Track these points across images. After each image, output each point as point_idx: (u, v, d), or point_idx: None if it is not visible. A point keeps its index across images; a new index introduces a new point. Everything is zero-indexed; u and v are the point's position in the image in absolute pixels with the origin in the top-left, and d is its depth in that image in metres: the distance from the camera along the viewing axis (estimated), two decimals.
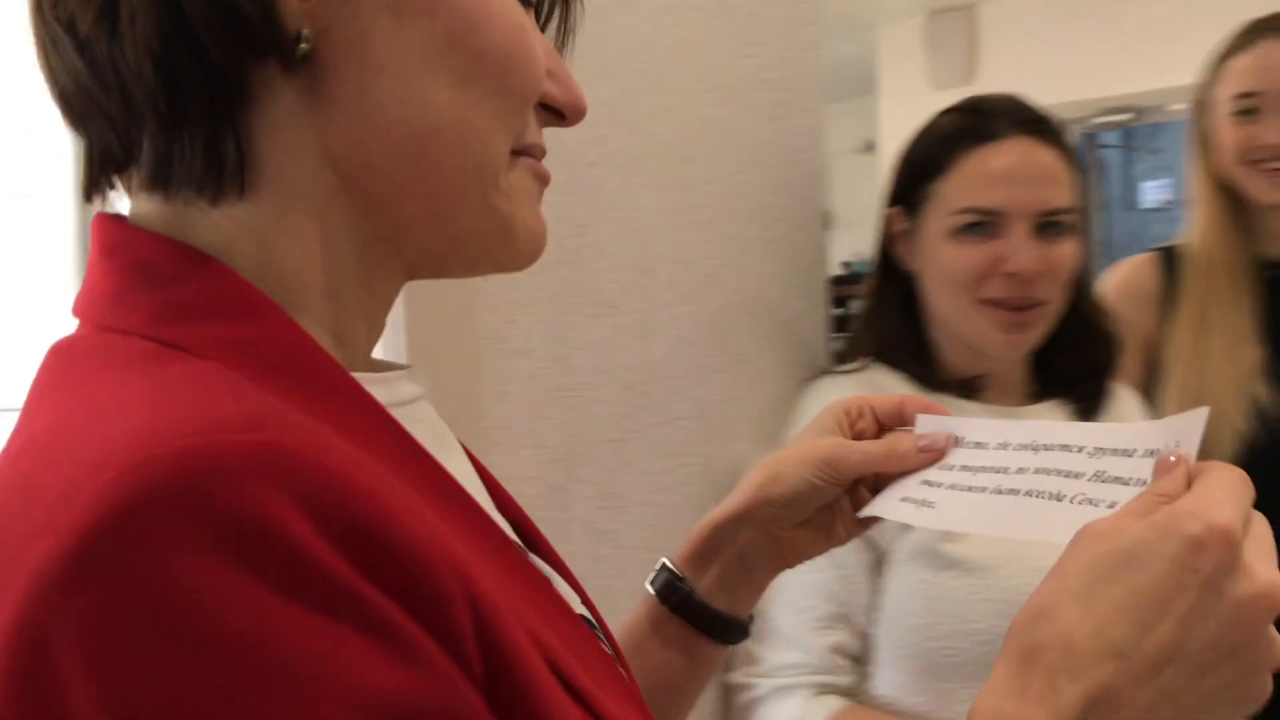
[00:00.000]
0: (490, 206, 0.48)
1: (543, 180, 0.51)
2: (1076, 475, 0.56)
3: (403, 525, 0.36)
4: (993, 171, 1.15)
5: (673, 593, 0.68)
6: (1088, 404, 1.23)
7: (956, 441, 0.64)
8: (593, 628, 0.51)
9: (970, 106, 1.21)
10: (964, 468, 0.62)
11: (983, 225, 1.14)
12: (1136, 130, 6.09)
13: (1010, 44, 5.02)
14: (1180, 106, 5.01)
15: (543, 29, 0.51)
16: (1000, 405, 1.20)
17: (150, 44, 0.41)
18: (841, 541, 0.69)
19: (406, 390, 0.50)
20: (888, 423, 0.68)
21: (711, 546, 0.69)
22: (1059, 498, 0.55)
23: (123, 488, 0.33)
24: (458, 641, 0.36)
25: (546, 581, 0.49)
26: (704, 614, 0.68)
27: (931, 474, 0.64)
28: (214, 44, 0.41)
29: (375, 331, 0.50)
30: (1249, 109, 1.54)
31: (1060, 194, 1.16)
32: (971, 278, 1.14)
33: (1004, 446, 0.61)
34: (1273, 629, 0.44)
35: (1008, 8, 4.94)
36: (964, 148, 1.16)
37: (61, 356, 0.45)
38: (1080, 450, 0.57)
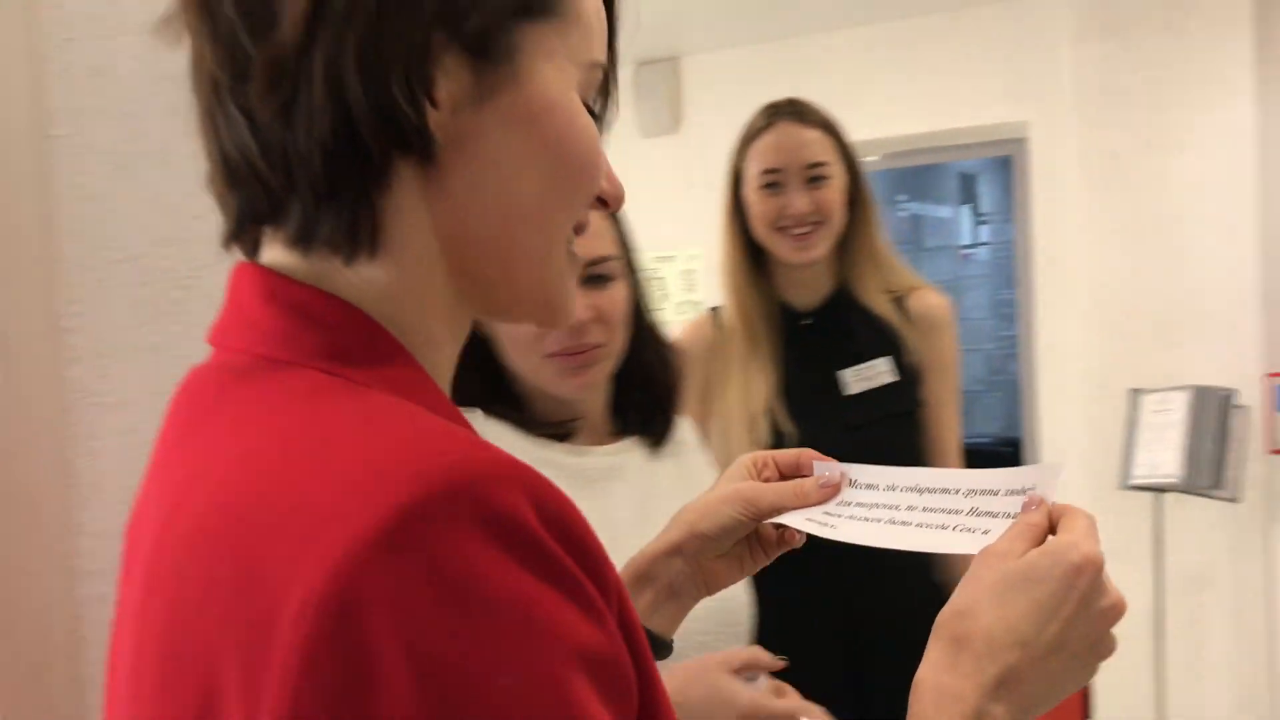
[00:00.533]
0: (549, 287, 0.61)
1: (577, 265, 0.67)
2: (955, 511, 0.71)
3: (587, 528, 0.50)
4: None
5: None
6: (658, 438, 1.36)
7: (850, 482, 0.79)
8: None
9: None
10: (858, 504, 0.78)
11: None
12: None
13: (713, 95, 4.86)
14: (872, 158, 4.76)
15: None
16: (588, 445, 1.30)
17: (323, 138, 0.53)
18: (752, 571, 0.85)
19: (482, 427, 0.78)
20: (787, 472, 0.83)
21: (646, 574, 0.82)
22: (943, 527, 0.71)
23: (413, 491, 0.45)
24: (615, 616, 0.50)
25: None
26: (657, 642, 0.81)
27: (830, 508, 0.79)
28: (374, 142, 0.53)
29: (453, 369, 0.62)
30: (774, 183, 1.86)
31: (601, 245, 1.27)
32: (532, 335, 1.23)
33: (892, 488, 0.77)
34: (1113, 632, 0.65)
35: (710, 61, 4.83)
36: None
37: (222, 381, 0.57)
38: (957, 492, 0.73)
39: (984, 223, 8.41)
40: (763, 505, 0.81)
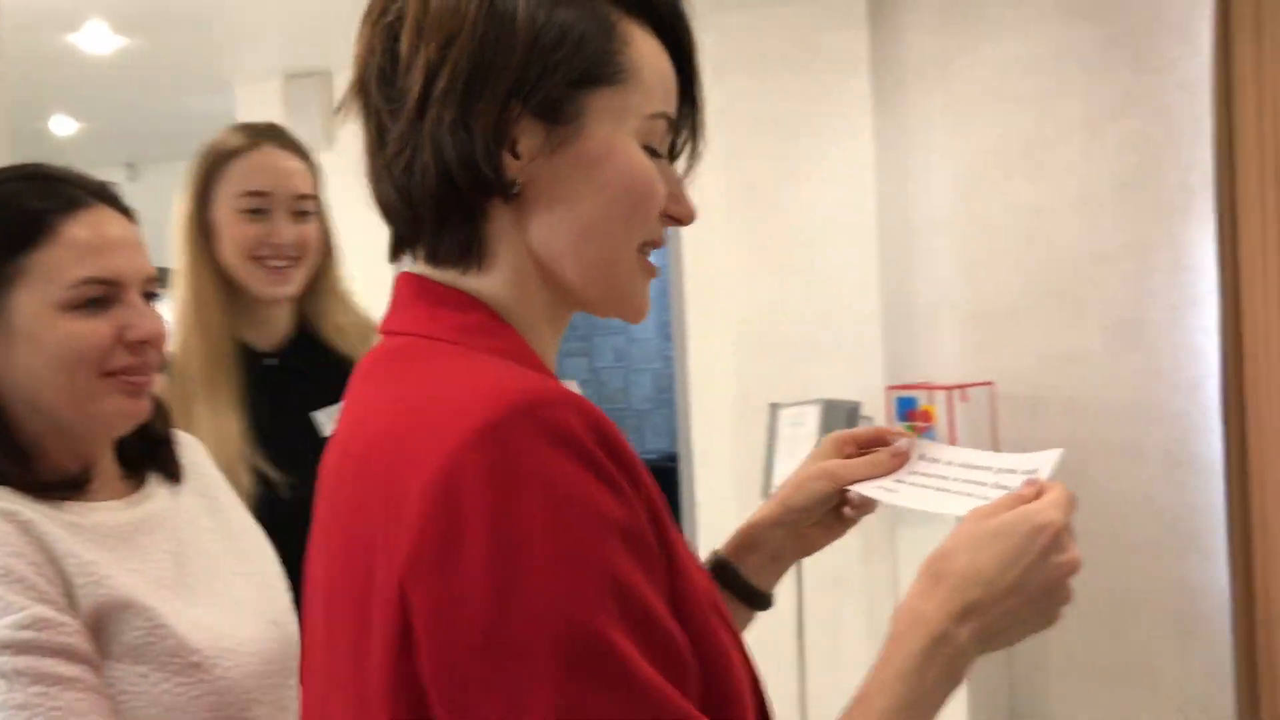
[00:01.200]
0: (621, 288, 0.81)
1: (649, 272, 0.83)
2: (983, 484, 0.88)
3: (622, 441, 0.69)
4: (109, 239, 1.12)
5: (722, 571, 0.98)
6: (172, 469, 1.25)
7: (920, 456, 0.95)
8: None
9: (33, 174, 1.15)
10: (921, 474, 0.95)
11: (102, 297, 1.11)
12: None
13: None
14: None
15: (673, 158, 0.84)
16: (108, 499, 1.16)
17: (431, 190, 0.76)
18: (841, 534, 1.01)
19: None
20: (866, 446, 0.99)
21: (752, 542, 0.99)
22: (969, 495, 0.88)
23: (495, 408, 0.66)
24: (643, 504, 0.69)
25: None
26: (745, 588, 0.98)
27: (900, 475, 0.95)
28: (466, 189, 0.76)
29: (555, 353, 0.84)
30: (258, 208, 1.71)
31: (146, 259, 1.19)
32: (100, 352, 1.11)
33: (950, 463, 0.94)
34: (1069, 583, 0.77)
35: None
36: (60, 217, 1.10)
37: (387, 354, 0.81)
38: (989, 469, 0.90)
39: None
40: (845, 478, 0.97)
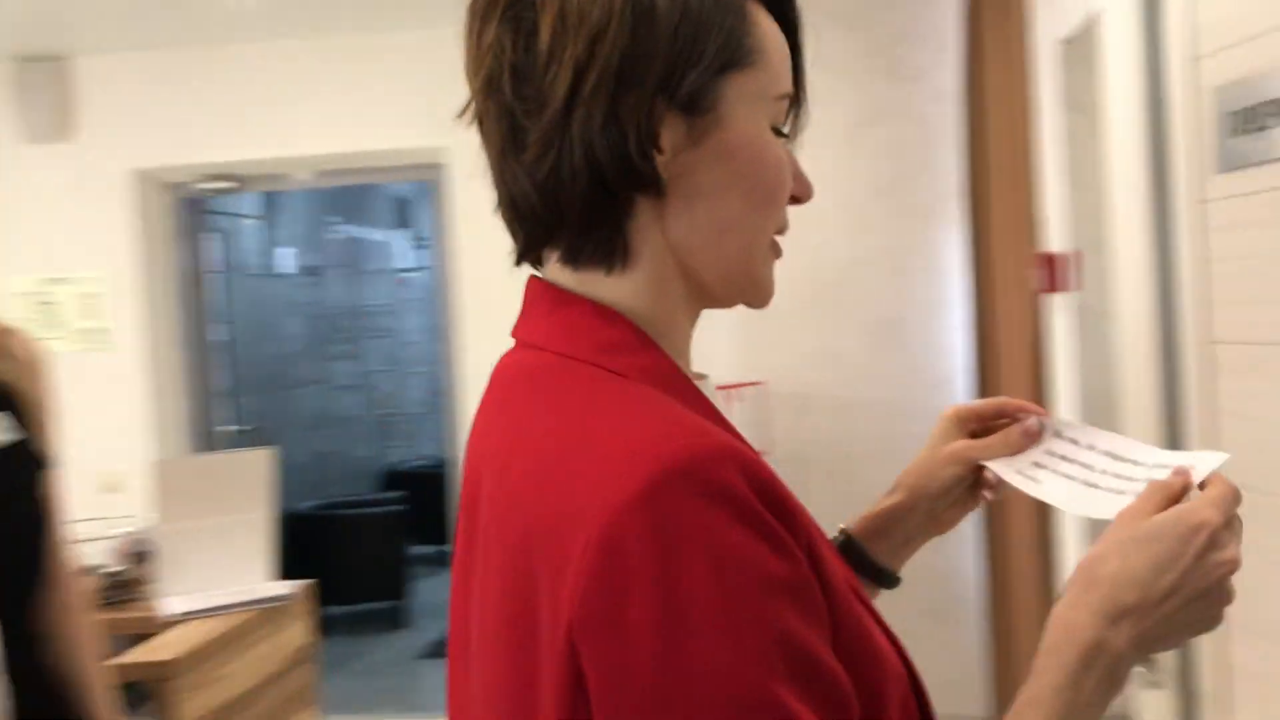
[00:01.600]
0: (756, 276, 0.80)
1: (777, 253, 0.82)
2: (1133, 479, 0.82)
3: (783, 490, 0.67)
4: None
5: (849, 550, 0.96)
6: None
7: (1055, 433, 0.90)
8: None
9: None
10: (1061, 456, 0.88)
11: None
12: (249, 197, 6.22)
13: (110, 100, 4.47)
14: (302, 176, 4.85)
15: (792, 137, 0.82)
16: None
17: (584, 188, 0.74)
18: (974, 508, 0.98)
19: (709, 389, 0.81)
20: (989, 419, 0.95)
21: (883, 530, 0.96)
22: (1121, 493, 0.82)
23: (653, 470, 0.64)
24: (804, 554, 0.67)
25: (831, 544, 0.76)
26: (874, 569, 0.97)
27: (1038, 457, 0.90)
28: (619, 188, 0.74)
29: (688, 343, 0.83)
30: None
31: None
32: None
33: (1092, 448, 0.87)
34: (1230, 582, 0.74)
35: (104, 64, 4.42)
36: None
37: (527, 369, 0.78)
38: (1140, 464, 0.83)
39: (422, 247, 8.50)
40: (974, 456, 0.94)
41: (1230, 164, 1.43)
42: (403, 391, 8.36)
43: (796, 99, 0.83)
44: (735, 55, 0.76)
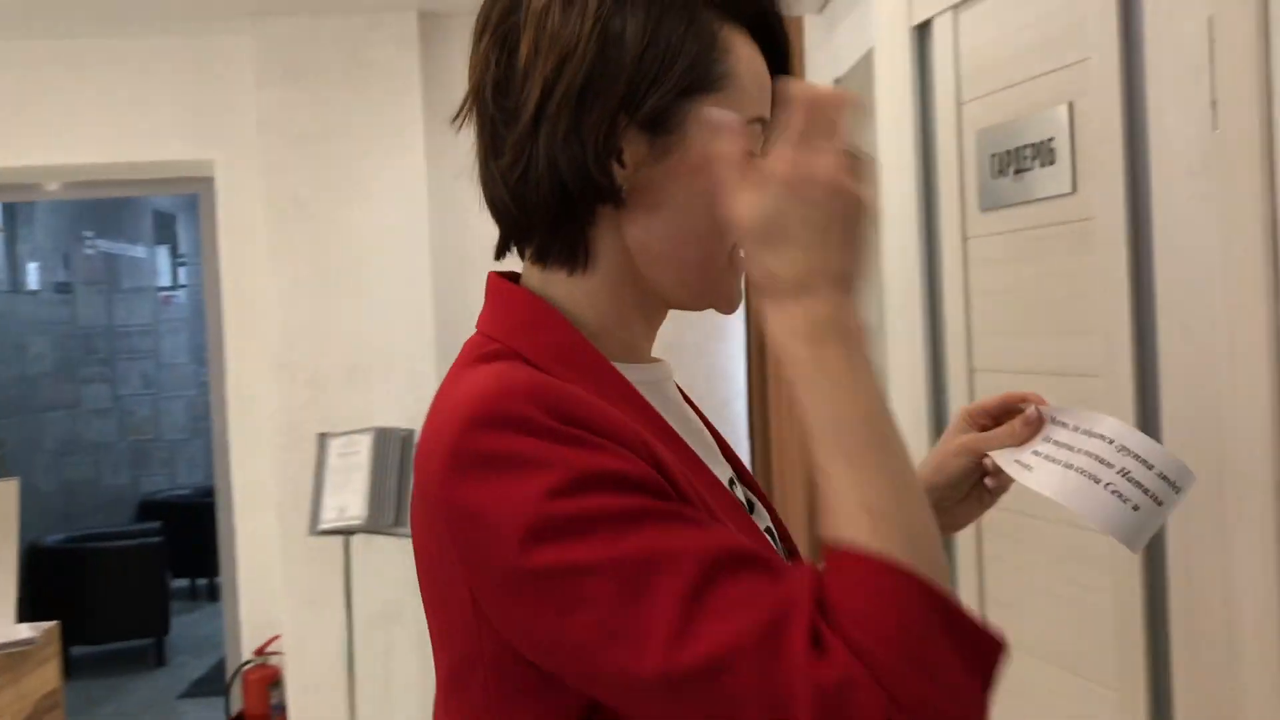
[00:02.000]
0: (716, 285, 0.86)
1: (742, 267, 0.84)
2: (1141, 485, 0.82)
3: (579, 407, 0.74)
4: None
5: None
6: None
7: (1051, 420, 0.90)
8: (773, 538, 0.87)
9: None
10: (1056, 442, 0.89)
11: None
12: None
13: None
14: (51, 187, 4.56)
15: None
16: None
17: (548, 196, 0.80)
18: (990, 506, 1.00)
19: (656, 373, 0.90)
20: (998, 415, 0.98)
21: None
22: (1124, 499, 0.82)
23: (466, 412, 0.74)
24: (638, 454, 0.73)
25: (724, 490, 0.83)
26: None
27: (1037, 446, 0.90)
28: (579, 197, 0.80)
29: (650, 341, 0.91)
30: None
31: None
32: None
33: (1088, 433, 0.87)
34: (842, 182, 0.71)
35: None
36: None
37: (466, 349, 0.86)
38: (1150, 468, 0.83)
39: (183, 264, 8.10)
40: (982, 449, 0.97)
41: (991, 203, 1.52)
42: (161, 416, 7.94)
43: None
44: (703, 80, 0.80)
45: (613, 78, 0.78)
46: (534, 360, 0.82)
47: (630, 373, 0.86)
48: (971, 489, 1.00)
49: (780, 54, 0.87)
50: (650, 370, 0.90)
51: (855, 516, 0.68)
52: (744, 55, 0.83)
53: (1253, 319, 1.08)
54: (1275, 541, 1.07)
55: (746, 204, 0.73)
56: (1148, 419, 1.27)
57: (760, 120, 0.83)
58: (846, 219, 0.72)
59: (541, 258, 0.85)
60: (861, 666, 0.64)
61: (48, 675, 2.63)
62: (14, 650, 2.47)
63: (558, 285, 0.85)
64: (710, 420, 0.98)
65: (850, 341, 0.71)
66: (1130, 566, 1.30)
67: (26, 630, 2.54)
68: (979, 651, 0.67)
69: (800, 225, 0.71)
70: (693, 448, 0.85)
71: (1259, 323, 1.07)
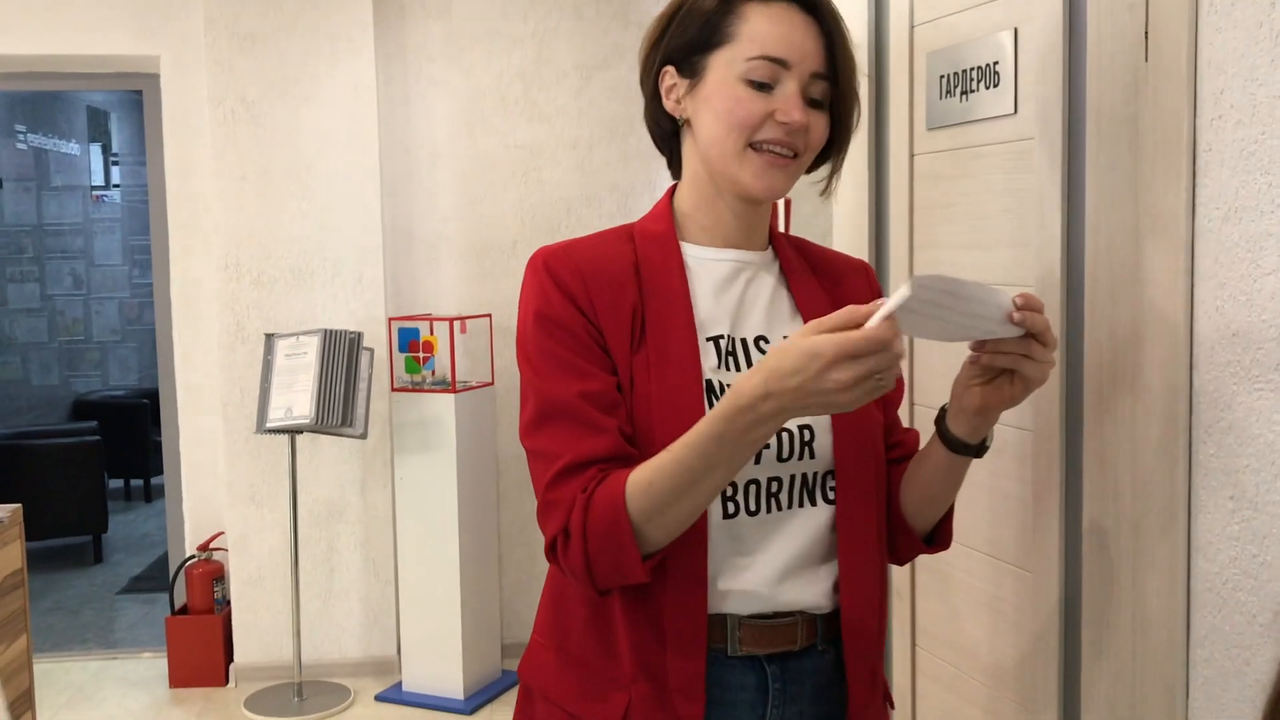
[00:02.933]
0: (731, 174, 1.21)
1: (768, 161, 1.21)
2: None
3: (565, 269, 1.21)
4: None
5: (939, 424, 1.24)
6: None
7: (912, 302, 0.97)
8: (714, 393, 1.20)
9: None
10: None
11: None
12: None
13: None
14: None
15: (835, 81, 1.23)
16: None
17: (652, 125, 1.31)
18: (1017, 386, 1.16)
19: (723, 255, 1.27)
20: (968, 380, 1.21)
21: (955, 401, 1.21)
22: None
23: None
24: (576, 302, 1.20)
25: (688, 341, 1.21)
26: (949, 439, 1.23)
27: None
28: (656, 124, 1.30)
29: (741, 229, 1.27)
30: None
31: None
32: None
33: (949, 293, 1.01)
34: (847, 393, 1.00)
35: None
36: None
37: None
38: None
39: (117, 163, 7.95)
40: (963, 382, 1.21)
41: (937, 122, 1.62)
42: (92, 317, 7.84)
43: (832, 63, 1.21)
44: (715, 38, 1.21)
45: (656, 45, 1.26)
46: (636, 233, 1.28)
47: (694, 250, 1.27)
48: (987, 382, 1.17)
49: (814, 11, 1.21)
50: (718, 252, 1.27)
51: (653, 468, 1.11)
52: (754, 17, 1.20)
53: (1168, 233, 1.19)
54: (1180, 433, 1.20)
55: (784, 351, 1.02)
56: (1072, 321, 1.39)
57: (761, 58, 1.18)
58: (827, 406, 1.01)
59: (672, 170, 1.32)
60: (578, 522, 1.13)
61: (12, 555, 2.68)
62: None
63: (678, 187, 1.30)
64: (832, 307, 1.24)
65: (755, 434, 1.06)
66: (1050, 461, 1.43)
67: None
68: (625, 566, 1.13)
69: (803, 380, 1.00)
70: (703, 311, 1.23)
71: (1175, 238, 1.19)
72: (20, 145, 7.18)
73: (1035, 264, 1.43)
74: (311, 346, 3.73)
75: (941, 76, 1.60)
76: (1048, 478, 1.44)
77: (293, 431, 3.73)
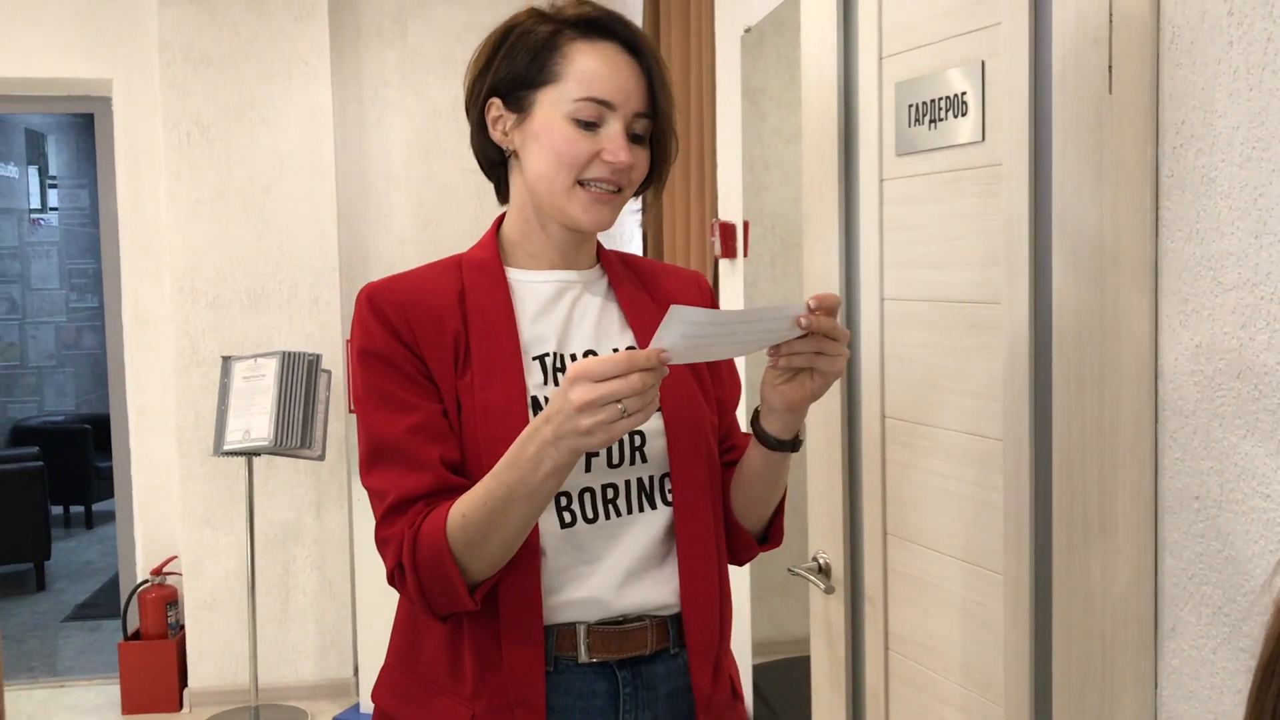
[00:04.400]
0: (561, 208, 1.29)
1: (594, 196, 1.29)
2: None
3: (388, 304, 1.27)
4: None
5: (754, 424, 1.33)
6: None
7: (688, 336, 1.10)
8: (539, 409, 1.26)
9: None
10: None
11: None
12: None
13: None
14: None
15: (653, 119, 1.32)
16: None
17: (478, 153, 1.38)
18: (813, 381, 1.25)
19: (548, 277, 1.35)
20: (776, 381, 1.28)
21: (762, 401, 1.30)
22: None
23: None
24: (396, 333, 1.26)
25: (513, 357, 1.28)
26: (769, 439, 1.31)
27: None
28: (488, 163, 1.38)
29: (563, 252, 1.35)
30: None
31: None
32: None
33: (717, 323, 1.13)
34: (597, 434, 1.10)
35: None
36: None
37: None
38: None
39: (54, 186, 7.84)
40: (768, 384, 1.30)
41: (906, 148, 1.71)
42: (29, 342, 7.72)
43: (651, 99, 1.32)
44: (542, 77, 1.28)
45: (482, 78, 1.32)
46: (464, 262, 1.34)
47: (519, 275, 1.34)
48: (789, 380, 1.25)
49: (639, 54, 1.30)
50: (543, 274, 1.35)
51: (467, 501, 1.19)
52: (580, 57, 1.28)
53: (1132, 253, 1.28)
54: (1145, 438, 1.28)
55: (560, 395, 1.11)
56: (1039, 338, 1.47)
57: (588, 99, 1.26)
58: (585, 442, 1.10)
59: (497, 195, 1.40)
60: (409, 558, 1.20)
61: None
62: None
63: (506, 215, 1.38)
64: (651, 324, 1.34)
65: (542, 461, 1.13)
66: (1020, 467, 1.52)
67: None
68: (456, 597, 1.21)
69: (561, 419, 1.10)
70: (527, 332, 1.31)
71: (1140, 258, 1.28)
72: None
73: (1005, 282, 1.51)
74: (270, 369, 3.74)
75: (910, 105, 1.68)
76: (1017, 484, 1.52)
77: (251, 454, 3.72)
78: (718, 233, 3.09)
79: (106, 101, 4.23)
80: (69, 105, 4.52)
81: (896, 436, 1.76)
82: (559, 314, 1.33)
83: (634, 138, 1.29)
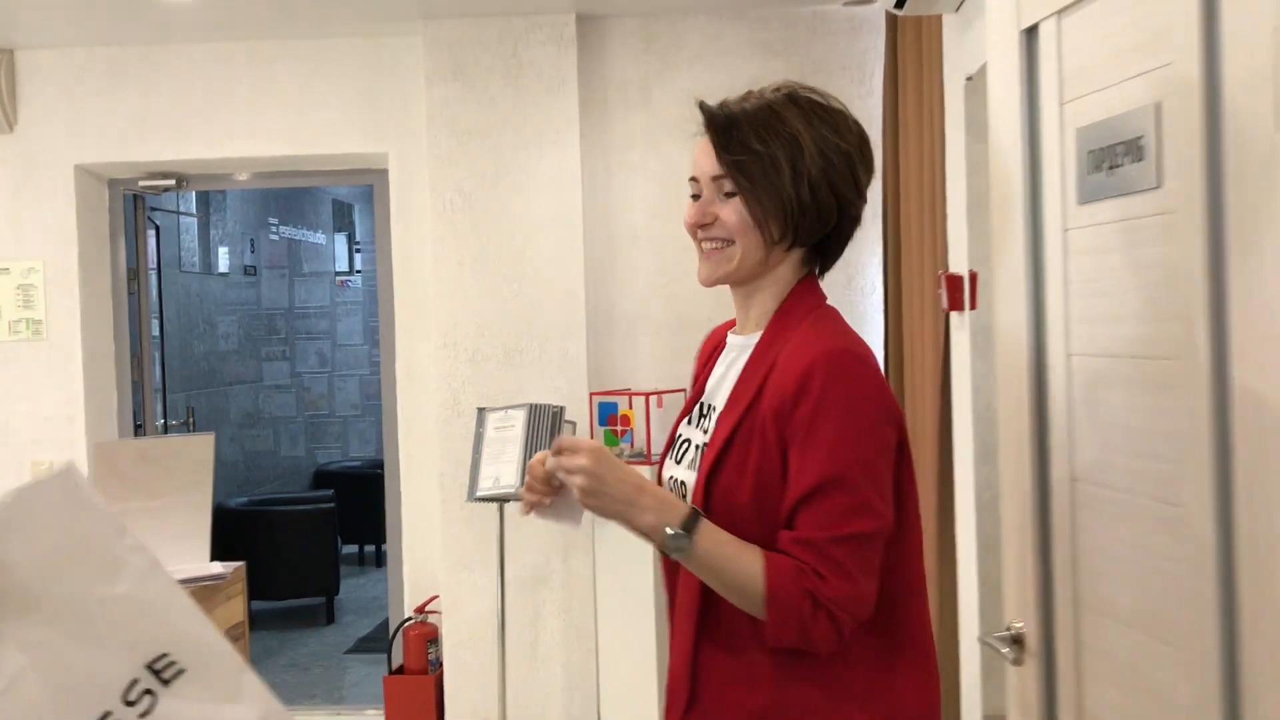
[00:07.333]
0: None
1: (700, 255, 1.63)
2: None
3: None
4: None
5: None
6: None
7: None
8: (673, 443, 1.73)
9: None
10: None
11: None
12: (188, 196, 6.49)
13: (53, 95, 4.57)
14: (241, 176, 4.98)
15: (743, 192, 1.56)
16: None
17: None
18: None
19: (735, 341, 1.66)
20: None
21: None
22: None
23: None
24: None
25: (679, 423, 1.75)
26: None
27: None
28: None
29: (747, 318, 1.66)
30: None
31: None
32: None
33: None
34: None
35: (47, 58, 4.50)
36: None
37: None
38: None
39: (359, 250, 8.58)
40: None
41: (1087, 197, 1.63)
42: (335, 393, 8.42)
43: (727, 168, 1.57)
44: None
45: None
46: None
47: (731, 339, 1.66)
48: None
49: (707, 126, 1.60)
50: (736, 339, 1.65)
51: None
52: (696, 147, 1.60)
53: None
54: None
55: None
56: (1221, 396, 1.36)
57: (692, 178, 1.60)
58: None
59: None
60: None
61: (235, 608, 2.95)
62: (207, 584, 2.79)
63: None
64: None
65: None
66: (1203, 535, 1.40)
67: (219, 567, 2.85)
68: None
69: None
70: (708, 383, 1.67)
71: None
72: (273, 236, 7.85)
73: (1181, 336, 1.41)
74: (518, 419, 3.94)
75: (1090, 151, 1.61)
76: (1199, 554, 1.41)
77: (500, 500, 3.92)
78: (944, 285, 3.02)
79: (384, 174, 4.62)
80: (353, 179, 4.96)
81: (1086, 501, 1.66)
82: (719, 371, 1.67)
83: (727, 195, 1.55)
